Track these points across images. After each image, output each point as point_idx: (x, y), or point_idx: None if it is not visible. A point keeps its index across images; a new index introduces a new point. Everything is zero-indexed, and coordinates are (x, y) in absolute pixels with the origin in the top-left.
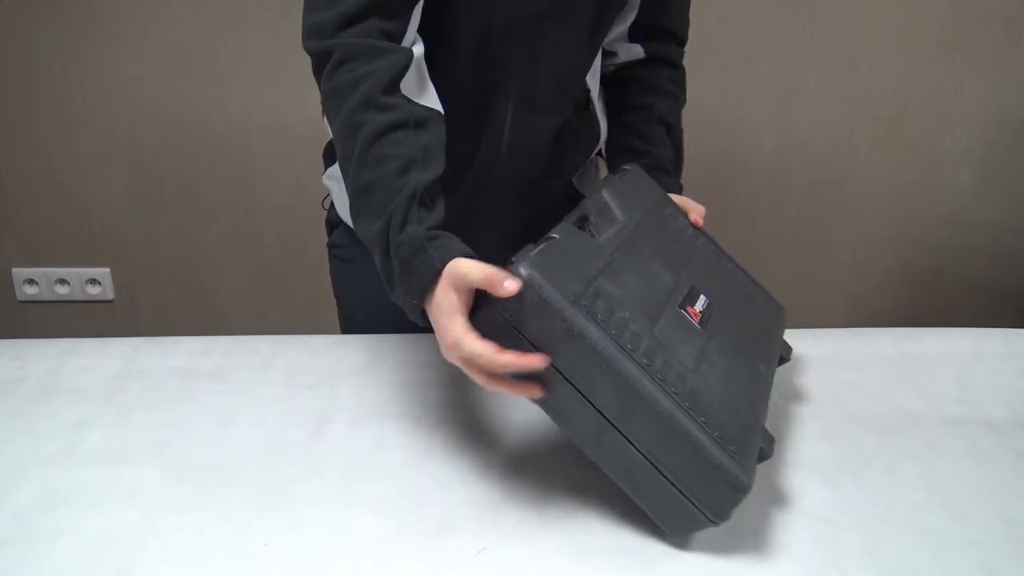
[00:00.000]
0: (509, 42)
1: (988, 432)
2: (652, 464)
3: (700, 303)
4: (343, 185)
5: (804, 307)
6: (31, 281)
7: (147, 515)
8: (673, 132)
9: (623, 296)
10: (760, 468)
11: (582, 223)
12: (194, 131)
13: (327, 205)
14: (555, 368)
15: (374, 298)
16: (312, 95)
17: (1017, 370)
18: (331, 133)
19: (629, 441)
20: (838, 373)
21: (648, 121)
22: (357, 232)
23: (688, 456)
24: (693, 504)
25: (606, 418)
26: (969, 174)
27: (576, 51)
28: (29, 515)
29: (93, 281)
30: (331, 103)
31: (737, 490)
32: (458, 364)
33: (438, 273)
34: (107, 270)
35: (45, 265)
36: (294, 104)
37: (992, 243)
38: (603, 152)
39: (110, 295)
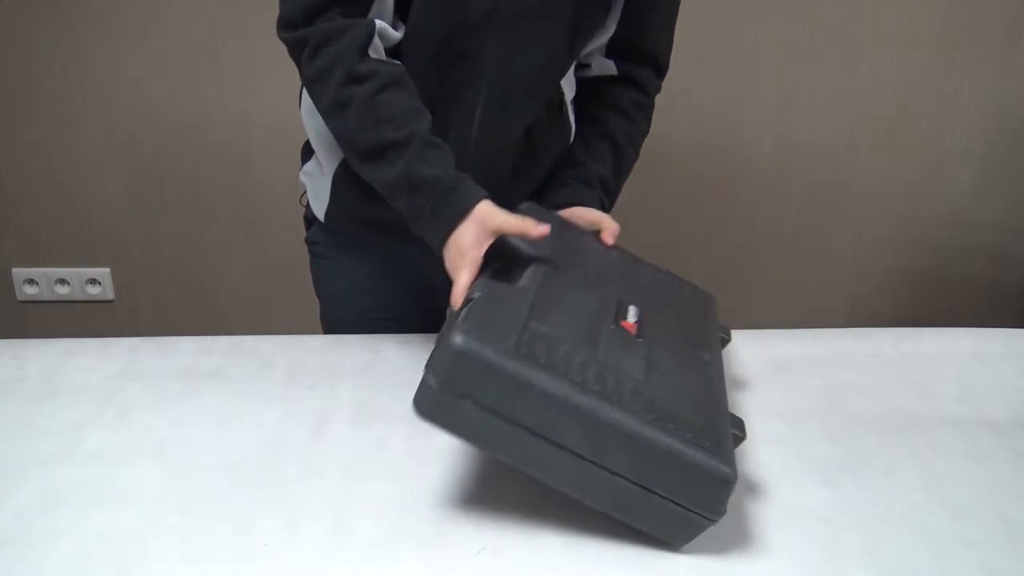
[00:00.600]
0: (482, 37)
1: (988, 432)
2: (638, 486)
3: (632, 314)
4: (317, 181)
5: (804, 307)
6: (31, 281)
7: (147, 515)
8: (619, 152)
9: (558, 333)
10: (760, 468)
11: (497, 274)
12: (194, 131)
13: (304, 202)
14: (520, 426)
15: (349, 295)
16: None
17: (1017, 370)
18: (317, 113)
19: (609, 471)
20: (838, 373)
21: (596, 135)
22: (374, 184)
23: (668, 465)
24: (688, 510)
25: (581, 456)
26: (969, 174)
27: (551, 53)
28: (29, 515)
29: (93, 281)
30: (316, 88)
31: (724, 482)
32: (462, 277)
33: (469, 208)
34: (107, 270)
35: (45, 265)
36: (294, 104)
37: (992, 243)
38: None
39: (110, 295)
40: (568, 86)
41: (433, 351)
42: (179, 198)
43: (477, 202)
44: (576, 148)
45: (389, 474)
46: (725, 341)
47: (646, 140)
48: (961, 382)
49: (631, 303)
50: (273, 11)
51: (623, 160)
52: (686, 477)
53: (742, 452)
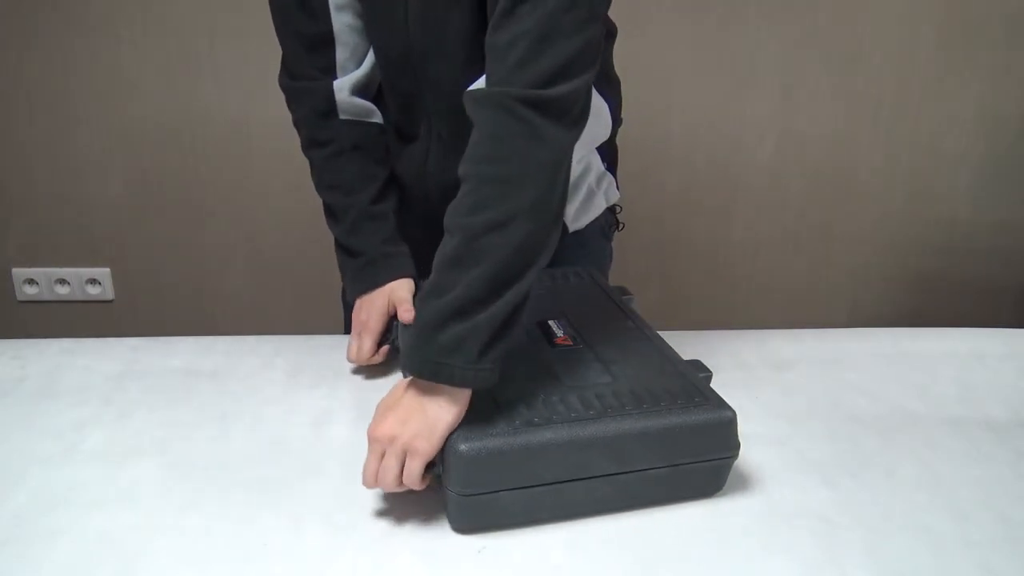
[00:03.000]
0: (412, 76)
1: (988, 432)
2: (668, 467)
3: (557, 328)
4: None
5: (804, 307)
6: (31, 281)
7: (147, 515)
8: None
9: (523, 388)
10: (760, 468)
11: None
12: (194, 131)
13: None
14: (555, 483)
15: None
16: None
17: (1017, 370)
18: None
19: (641, 471)
20: (838, 373)
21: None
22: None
23: (682, 436)
24: (713, 460)
25: (614, 474)
26: (969, 174)
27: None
28: (29, 515)
29: (93, 281)
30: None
31: (730, 422)
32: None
33: (381, 284)
34: (107, 270)
35: (45, 265)
36: None
37: (992, 243)
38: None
39: (110, 295)
40: None
41: (440, 465)
42: (179, 198)
43: (389, 281)
44: None
45: None
46: (631, 298)
47: (645, 141)
48: (961, 382)
49: (549, 319)
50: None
51: None
52: (700, 437)
53: (742, 453)
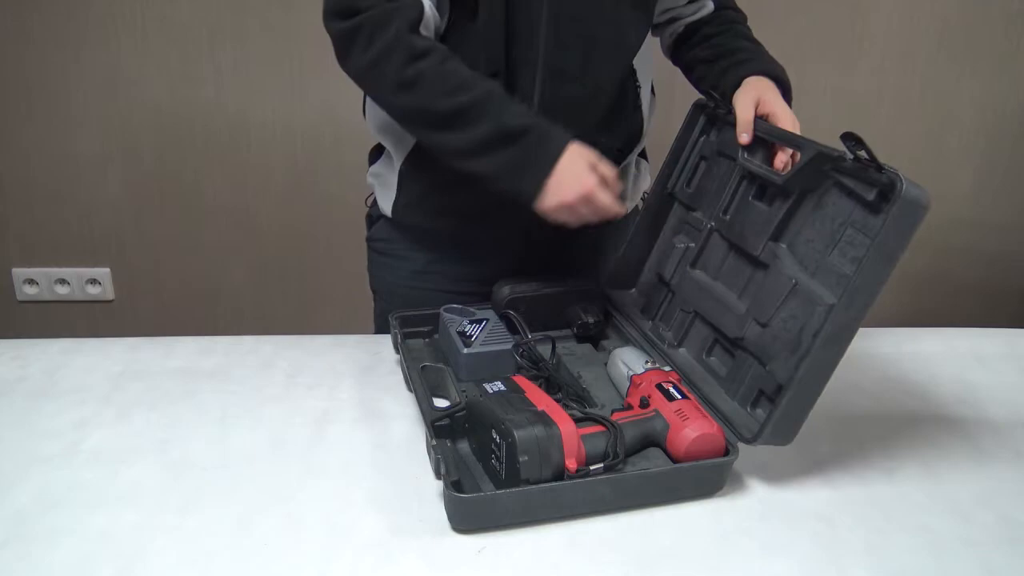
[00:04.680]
0: (530, 10)
1: (988, 432)
2: (666, 467)
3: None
4: (384, 178)
5: None
6: (31, 281)
7: (147, 515)
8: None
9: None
10: (760, 468)
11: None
12: (194, 131)
13: (369, 203)
14: (561, 506)
15: (407, 291)
16: (312, 95)
17: (1017, 370)
18: (375, 99)
19: (642, 470)
20: (839, 373)
21: (733, 36)
22: (451, 155)
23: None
24: (712, 461)
25: (615, 474)
26: (969, 174)
27: (611, 17)
28: (30, 515)
29: (93, 281)
30: (375, 72)
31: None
32: (581, 200)
33: (566, 146)
34: (107, 270)
35: (45, 265)
36: (293, 104)
37: (992, 243)
38: (646, 153)
39: (110, 295)
40: (643, 70)
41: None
42: (179, 198)
43: (569, 142)
44: (721, 58)
45: (389, 474)
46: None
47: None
48: (961, 382)
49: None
50: (273, 11)
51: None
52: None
53: (742, 453)
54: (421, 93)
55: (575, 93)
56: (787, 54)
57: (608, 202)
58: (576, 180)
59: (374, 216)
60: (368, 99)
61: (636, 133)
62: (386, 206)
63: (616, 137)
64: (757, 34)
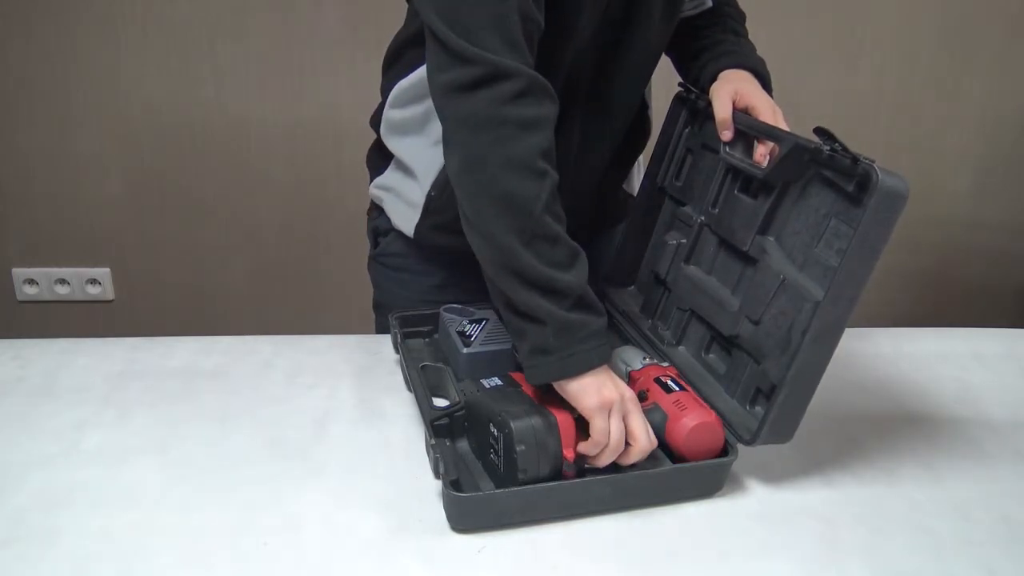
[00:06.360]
0: (579, 49)
1: (988, 432)
2: (665, 467)
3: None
4: (404, 196)
5: None
6: (31, 281)
7: (147, 515)
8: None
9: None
10: (760, 468)
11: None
12: (194, 131)
13: (374, 216)
14: (560, 505)
15: (423, 306)
16: (312, 95)
17: (1017, 370)
18: (423, 131)
19: (642, 470)
20: (838, 373)
21: (720, 30)
22: (503, 294)
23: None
24: (712, 461)
25: (615, 474)
26: (969, 174)
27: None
28: (30, 515)
29: (93, 281)
30: (487, 133)
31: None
32: (606, 414)
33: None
34: (107, 270)
35: (45, 265)
36: (294, 104)
37: (992, 244)
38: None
39: (110, 295)
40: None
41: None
42: (179, 198)
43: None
44: (703, 51)
45: (389, 474)
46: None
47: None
48: (961, 382)
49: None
50: (273, 11)
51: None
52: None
53: (742, 453)
54: (539, 196)
55: (614, 125)
56: (788, 55)
57: (642, 432)
58: (614, 393)
59: (382, 230)
60: (388, 109)
61: (647, 132)
62: (404, 225)
63: (635, 147)
64: (758, 34)
